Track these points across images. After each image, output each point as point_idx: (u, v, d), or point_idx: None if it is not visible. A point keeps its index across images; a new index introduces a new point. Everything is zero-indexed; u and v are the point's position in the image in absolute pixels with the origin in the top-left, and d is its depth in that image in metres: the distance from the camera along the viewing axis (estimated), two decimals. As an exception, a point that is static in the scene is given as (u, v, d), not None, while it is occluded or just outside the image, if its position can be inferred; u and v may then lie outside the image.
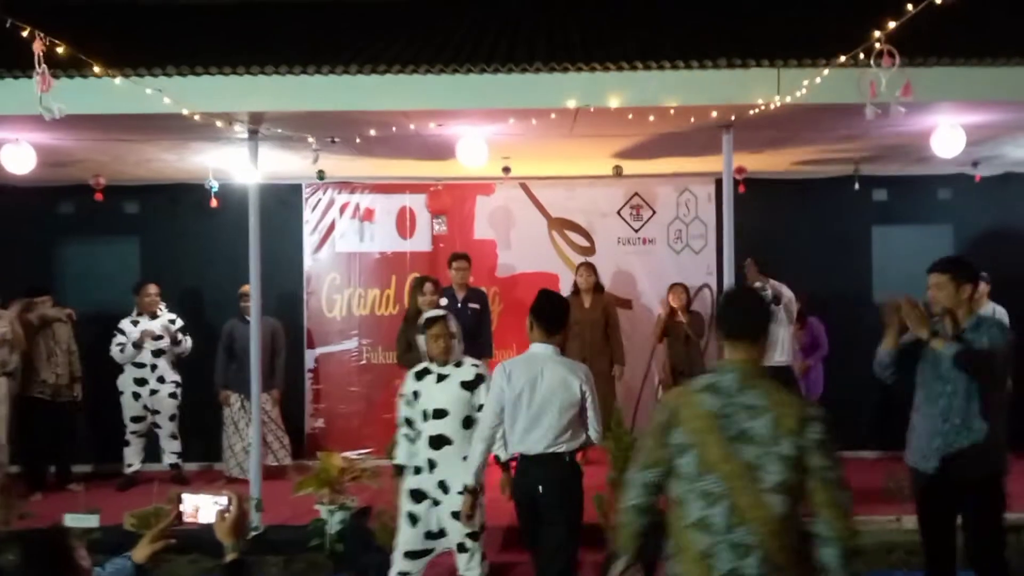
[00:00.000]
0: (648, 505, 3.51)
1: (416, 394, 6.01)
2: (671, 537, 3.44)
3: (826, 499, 3.28)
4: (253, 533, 7.51)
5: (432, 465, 5.90)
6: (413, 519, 5.97)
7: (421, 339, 6.05)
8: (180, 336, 9.83)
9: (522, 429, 5.44)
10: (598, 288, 9.88)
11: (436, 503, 5.93)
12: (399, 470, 6.12)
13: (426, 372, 6.04)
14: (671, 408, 3.47)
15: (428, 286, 8.68)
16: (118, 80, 6.53)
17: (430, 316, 6.06)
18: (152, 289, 9.78)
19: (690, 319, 9.66)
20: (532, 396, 5.40)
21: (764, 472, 3.25)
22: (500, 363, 5.71)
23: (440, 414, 5.89)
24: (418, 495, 5.96)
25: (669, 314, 9.76)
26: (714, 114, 7.25)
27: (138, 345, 9.52)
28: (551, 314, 5.67)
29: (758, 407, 3.33)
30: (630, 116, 7.26)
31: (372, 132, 7.82)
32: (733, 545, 3.24)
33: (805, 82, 6.65)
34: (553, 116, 7.27)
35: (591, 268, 9.98)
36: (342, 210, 10.80)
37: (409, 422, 6.06)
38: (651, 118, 7.33)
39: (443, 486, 5.88)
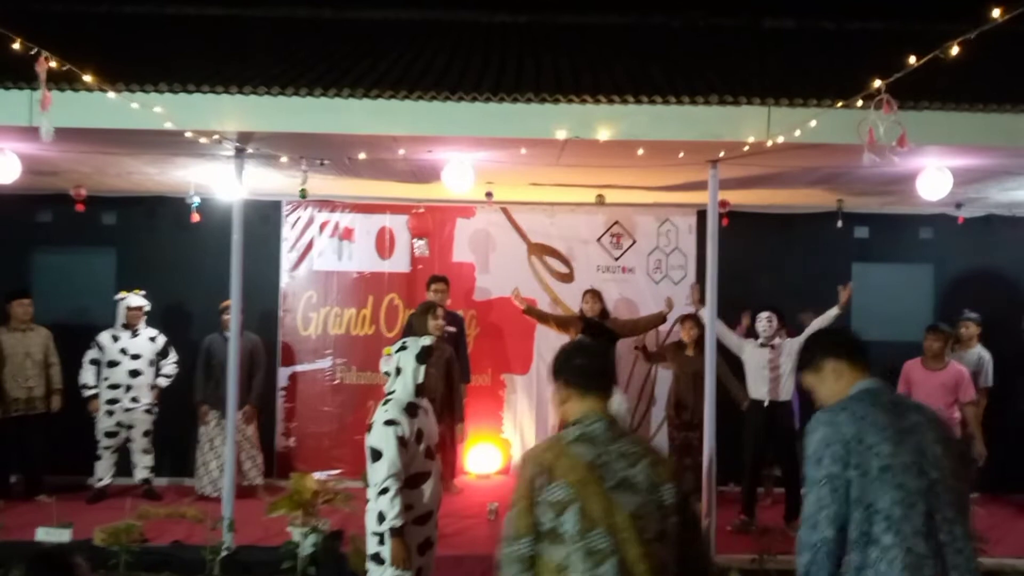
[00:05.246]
0: None
1: (420, 433, 5.21)
2: None
3: (695, 536, 3.33)
4: (225, 553, 7.44)
5: (438, 504, 5.36)
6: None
7: (420, 370, 5.26)
8: (163, 361, 9.72)
9: None
10: (603, 315, 9.81)
11: (432, 545, 5.38)
12: (399, 532, 5.05)
13: (416, 407, 5.26)
14: (543, 463, 3.23)
15: (440, 310, 8.57)
16: (111, 95, 6.49)
17: (429, 346, 5.32)
18: (133, 301, 9.56)
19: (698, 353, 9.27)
20: None
21: (646, 522, 3.15)
22: None
23: (438, 449, 5.46)
24: (426, 546, 5.29)
25: (676, 345, 9.73)
26: (702, 150, 7.29)
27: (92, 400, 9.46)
28: None
29: (634, 454, 3.25)
30: (617, 149, 7.27)
31: (361, 155, 7.80)
32: None
33: (798, 132, 6.69)
34: (545, 144, 7.27)
35: (595, 295, 9.87)
36: (321, 228, 10.74)
37: None
38: (639, 151, 7.34)
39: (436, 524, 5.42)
